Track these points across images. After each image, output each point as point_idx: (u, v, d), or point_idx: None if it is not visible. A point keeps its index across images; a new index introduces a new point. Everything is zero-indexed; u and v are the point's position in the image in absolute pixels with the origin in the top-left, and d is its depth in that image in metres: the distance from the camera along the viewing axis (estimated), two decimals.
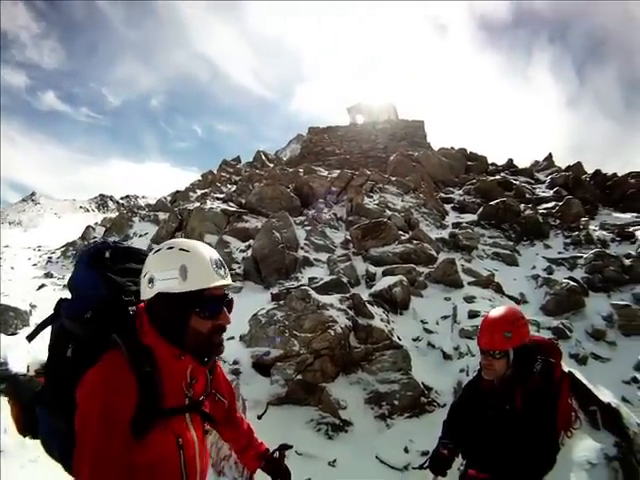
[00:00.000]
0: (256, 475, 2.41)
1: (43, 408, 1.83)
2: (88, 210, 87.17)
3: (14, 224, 73.62)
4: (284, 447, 2.38)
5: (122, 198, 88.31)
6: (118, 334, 1.66)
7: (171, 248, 1.74)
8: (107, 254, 1.88)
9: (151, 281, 1.69)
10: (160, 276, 1.68)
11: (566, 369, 2.99)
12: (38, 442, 1.92)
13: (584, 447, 5.12)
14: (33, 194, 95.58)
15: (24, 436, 1.99)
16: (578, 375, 5.90)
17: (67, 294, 1.93)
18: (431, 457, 3.06)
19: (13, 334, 8.85)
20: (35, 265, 19.47)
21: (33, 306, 9.67)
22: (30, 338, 1.96)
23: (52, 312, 1.90)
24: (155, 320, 1.72)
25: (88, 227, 23.73)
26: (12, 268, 18.08)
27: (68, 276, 2.01)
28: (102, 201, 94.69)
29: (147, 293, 1.71)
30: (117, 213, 31.73)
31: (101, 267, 1.84)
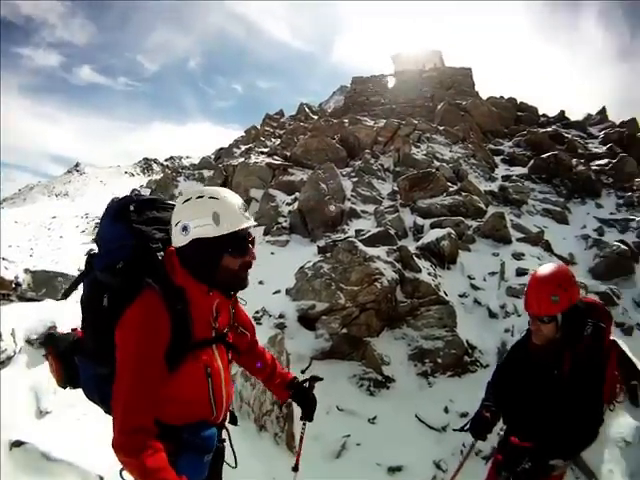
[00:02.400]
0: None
1: (84, 357, 1.98)
2: (133, 175, 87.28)
3: (61, 195, 74.36)
4: (314, 379, 2.55)
5: (166, 160, 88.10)
6: (151, 277, 1.81)
7: (201, 197, 1.85)
8: (132, 207, 1.99)
9: (185, 229, 1.82)
10: (194, 224, 1.80)
11: (611, 337, 2.82)
12: (85, 402, 2.08)
13: (621, 424, 4.99)
14: (77, 165, 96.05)
15: (64, 387, 2.13)
16: (622, 345, 5.72)
17: None
18: (472, 419, 3.01)
19: (62, 299, 9.18)
20: (84, 232, 20.05)
21: (81, 271, 10.00)
22: (66, 295, 2.18)
23: (83, 268, 2.03)
24: (188, 262, 1.87)
25: (133, 190, 23.90)
26: (61, 237, 18.52)
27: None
28: (146, 164, 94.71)
29: (180, 240, 1.84)
30: (162, 175, 32.20)
31: (127, 219, 1.95)
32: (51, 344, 2.12)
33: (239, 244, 1.87)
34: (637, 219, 11.56)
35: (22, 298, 9.11)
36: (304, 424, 2.51)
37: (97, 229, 2.13)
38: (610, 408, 2.79)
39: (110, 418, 1.76)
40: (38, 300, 9.01)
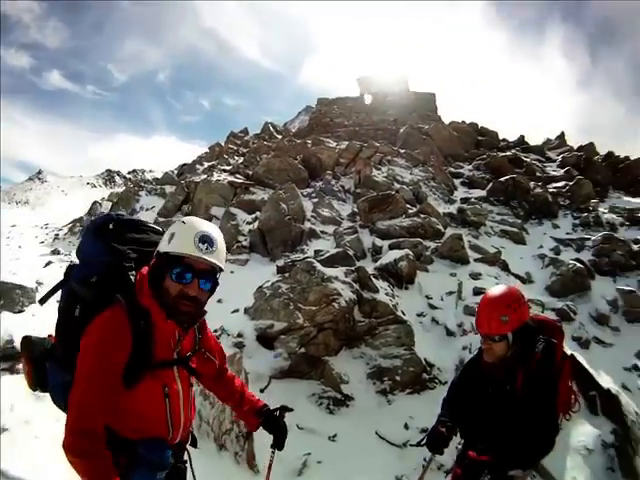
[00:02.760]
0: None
1: (53, 363, 2.07)
2: (95, 186, 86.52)
3: (21, 203, 73.24)
4: (285, 409, 2.56)
5: (129, 173, 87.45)
6: (120, 294, 1.91)
7: (182, 221, 2.01)
8: (110, 225, 2.11)
9: (171, 237, 1.95)
10: (177, 239, 1.92)
11: (568, 352, 2.96)
12: (41, 419, 2.23)
13: (582, 432, 5.17)
14: (40, 172, 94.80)
15: (34, 390, 2.22)
16: (580, 358, 5.89)
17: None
18: (429, 435, 3.03)
19: (20, 311, 8.84)
20: (42, 243, 19.53)
21: (40, 283, 9.64)
22: (43, 301, 2.21)
23: (63, 277, 2.13)
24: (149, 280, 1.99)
25: (95, 203, 23.68)
26: (19, 247, 18.09)
27: (75, 253, 2.26)
28: (109, 176, 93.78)
29: (162, 246, 1.97)
30: (124, 188, 31.81)
31: (105, 237, 2.08)
32: (26, 348, 2.21)
33: (181, 270, 1.92)
34: (592, 238, 11.81)
35: None
36: (273, 451, 2.53)
37: (78, 244, 2.23)
38: (566, 418, 2.93)
39: None
40: None
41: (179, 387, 2.07)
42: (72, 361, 1.87)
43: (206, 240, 1.93)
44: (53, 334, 2.14)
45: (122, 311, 1.86)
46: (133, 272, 2.04)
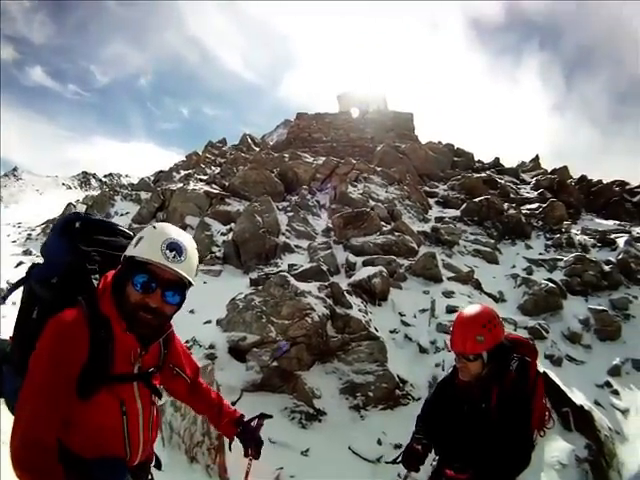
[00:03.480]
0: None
1: (10, 367, 1.94)
2: (70, 187, 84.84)
3: None
4: (263, 416, 2.46)
5: (105, 176, 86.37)
6: (82, 297, 1.79)
7: (153, 226, 1.89)
8: (77, 224, 2.01)
9: (137, 242, 1.83)
10: (143, 243, 1.81)
11: (541, 369, 3.04)
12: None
13: (555, 448, 5.23)
14: (15, 169, 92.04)
15: None
16: (552, 376, 6.05)
17: None
18: (404, 452, 3.03)
19: None
20: (14, 242, 19.17)
21: (10, 283, 9.40)
22: (4, 298, 2.13)
23: (24, 275, 2.01)
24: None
25: (69, 204, 23.26)
26: None
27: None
28: (85, 179, 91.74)
29: (128, 250, 1.85)
30: (99, 191, 31.35)
31: (70, 236, 1.98)
32: None
33: (144, 277, 1.78)
34: (565, 259, 12.00)
35: None
36: (250, 461, 2.41)
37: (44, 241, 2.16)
38: (540, 434, 2.94)
39: None
40: None
41: (139, 405, 1.93)
42: (27, 365, 1.74)
43: (175, 248, 1.79)
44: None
45: (81, 316, 1.74)
46: (97, 276, 1.92)
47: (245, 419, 2.43)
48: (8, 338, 2.08)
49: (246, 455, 2.39)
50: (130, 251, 1.80)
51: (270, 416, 2.49)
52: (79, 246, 1.96)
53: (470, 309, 2.87)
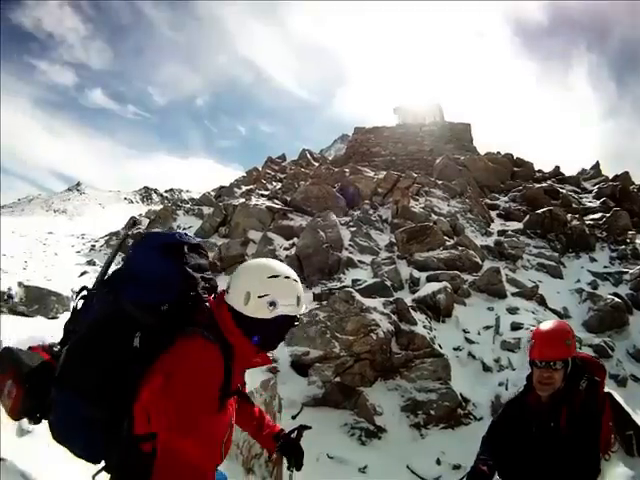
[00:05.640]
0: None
1: (72, 393, 1.75)
2: (132, 202, 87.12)
3: (59, 212, 74.11)
4: (302, 427, 2.55)
5: (166, 191, 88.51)
6: (206, 329, 1.82)
7: (287, 278, 1.95)
8: (185, 248, 1.94)
9: (273, 304, 1.88)
10: (284, 302, 1.91)
11: (605, 389, 2.95)
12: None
13: (617, 473, 4.97)
14: (79, 184, 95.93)
15: (18, 419, 1.88)
16: (617, 397, 5.75)
17: None
18: (469, 473, 2.94)
19: (53, 318, 9.20)
20: (78, 252, 19.95)
21: (74, 292, 10.09)
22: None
23: (105, 292, 1.87)
24: (250, 327, 1.89)
25: (132, 218, 23.97)
26: (56, 254, 18.52)
27: (123, 265, 1.99)
28: (146, 193, 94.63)
29: (264, 312, 1.89)
30: (161, 206, 32.13)
31: (179, 259, 1.90)
32: (12, 364, 1.86)
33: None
34: (630, 272, 11.68)
35: (13, 311, 9.09)
36: (291, 472, 2.47)
37: (128, 256, 2.00)
38: (605, 458, 2.83)
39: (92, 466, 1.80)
40: (29, 316, 8.95)
41: (233, 416, 2.04)
42: (109, 396, 1.72)
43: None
44: (38, 347, 1.95)
45: (217, 350, 1.79)
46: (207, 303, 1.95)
47: (283, 433, 2.50)
48: (29, 349, 1.94)
49: (289, 467, 2.46)
50: (296, 310, 1.96)
51: (309, 427, 2.57)
52: (192, 273, 1.91)
53: (548, 322, 2.97)
